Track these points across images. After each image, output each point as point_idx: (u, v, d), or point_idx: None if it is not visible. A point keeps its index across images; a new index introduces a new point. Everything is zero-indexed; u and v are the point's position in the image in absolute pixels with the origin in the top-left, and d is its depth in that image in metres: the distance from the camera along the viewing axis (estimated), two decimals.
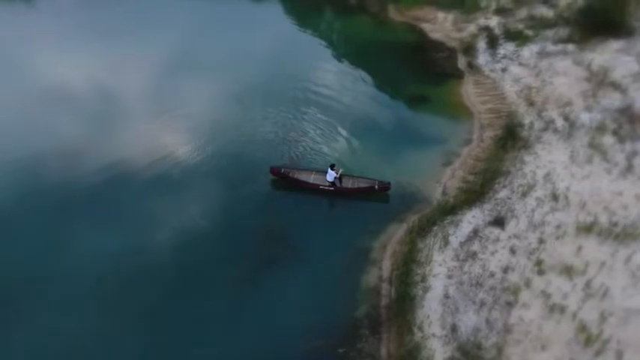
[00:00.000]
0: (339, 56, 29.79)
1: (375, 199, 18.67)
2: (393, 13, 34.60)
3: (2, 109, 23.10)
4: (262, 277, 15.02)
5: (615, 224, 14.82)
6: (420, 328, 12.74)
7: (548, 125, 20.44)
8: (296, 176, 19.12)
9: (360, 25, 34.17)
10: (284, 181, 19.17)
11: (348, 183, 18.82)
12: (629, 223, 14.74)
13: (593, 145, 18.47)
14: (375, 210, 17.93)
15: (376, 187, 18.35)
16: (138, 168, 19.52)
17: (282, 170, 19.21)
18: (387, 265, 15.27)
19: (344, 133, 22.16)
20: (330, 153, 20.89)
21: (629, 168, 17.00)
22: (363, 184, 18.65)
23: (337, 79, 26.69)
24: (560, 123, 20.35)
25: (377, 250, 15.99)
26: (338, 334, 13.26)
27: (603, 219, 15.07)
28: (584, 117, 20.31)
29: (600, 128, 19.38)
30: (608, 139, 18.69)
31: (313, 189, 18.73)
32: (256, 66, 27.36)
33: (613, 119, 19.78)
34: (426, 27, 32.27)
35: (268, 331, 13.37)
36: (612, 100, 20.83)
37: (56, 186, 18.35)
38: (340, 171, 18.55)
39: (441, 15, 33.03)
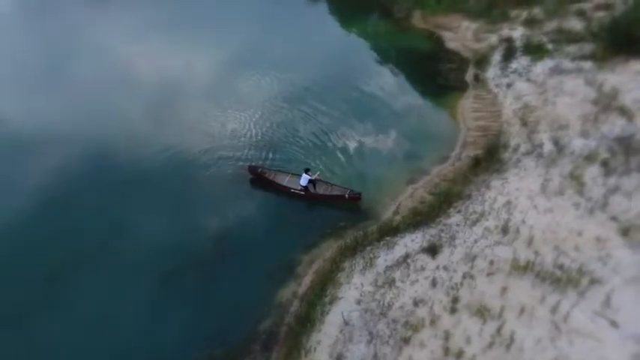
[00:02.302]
0: (348, 57, 29.04)
1: (331, 209, 18.22)
2: (417, 20, 33.34)
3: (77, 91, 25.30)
4: (182, 276, 15.05)
5: (560, 267, 13.13)
6: (308, 353, 12.13)
7: (535, 149, 18.64)
8: (271, 177, 19.12)
9: (379, 30, 33.42)
10: (260, 181, 19.20)
11: (321, 189, 18.56)
12: (575, 267, 13.00)
13: (573, 176, 16.53)
14: (321, 221, 17.37)
15: (346, 196, 17.92)
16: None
17: (259, 170, 19.28)
18: (306, 281, 14.74)
19: (323, 134, 21.90)
20: (302, 153, 20.80)
21: (602, 205, 15.00)
22: (335, 192, 18.34)
23: (338, 80, 26.17)
24: (548, 147, 18.46)
25: (304, 264, 15.49)
26: (231, 346, 13.01)
27: (548, 259, 13.42)
28: (577, 143, 18.25)
29: (589, 157, 17.30)
30: (592, 170, 16.64)
31: (285, 192, 18.61)
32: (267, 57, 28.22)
33: (608, 148, 17.57)
34: (446, 35, 30.76)
35: (164, 333, 13.38)
36: (614, 126, 18.52)
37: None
38: (316, 175, 18.28)
39: (465, 24, 31.34)
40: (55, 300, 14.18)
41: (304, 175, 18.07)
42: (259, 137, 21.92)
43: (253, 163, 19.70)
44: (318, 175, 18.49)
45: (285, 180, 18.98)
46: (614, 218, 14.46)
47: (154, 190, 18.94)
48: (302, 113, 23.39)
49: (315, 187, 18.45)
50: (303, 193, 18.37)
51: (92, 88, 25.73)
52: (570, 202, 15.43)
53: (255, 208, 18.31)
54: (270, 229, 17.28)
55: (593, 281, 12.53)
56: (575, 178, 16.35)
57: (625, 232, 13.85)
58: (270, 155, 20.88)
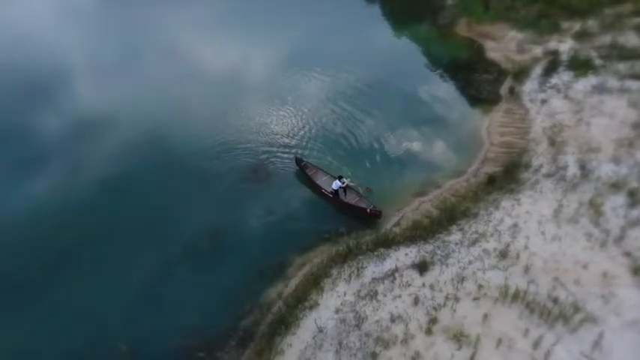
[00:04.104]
0: (387, 61, 28.36)
1: (336, 214, 18.00)
2: (461, 27, 32.26)
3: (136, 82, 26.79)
4: (179, 263, 15.54)
5: (554, 300, 12.28)
6: (278, 355, 12.19)
7: (557, 171, 17.53)
8: (310, 173, 19.25)
9: (422, 35, 32.56)
10: (302, 174, 19.50)
11: (349, 197, 18.13)
12: (570, 301, 12.11)
13: (593, 204, 15.38)
14: (323, 224, 17.19)
15: (368, 210, 17.23)
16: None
17: (302, 164, 19.56)
18: (293, 284, 14.77)
19: (343, 134, 21.93)
20: (326, 151, 20.95)
21: (618, 239, 13.86)
22: (360, 204, 17.70)
23: (373, 82, 25.94)
24: (572, 171, 17.30)
25: (295, 266, 15.53)
26: (209, 339, 13.29)
27: (543, 290, 12.59)
28: (605, 169, 16.97)
29: (616, 185, 16.04)
30: (616, 200, 15.41)
31: (317, 190, 18.70)
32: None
33: (639, 177, 16.19)
34: (488, 45, 29.53)
35: (149, 317, 13.94)
36: None
37: None
38: (347, 182, 17.80)
39: (511, 33, 29.95)
40: (55, 277, 15.16)
41: (336, 181, 17.76)
42: (284, 131, 22.24)
43: (300, 157, 20.01)
44: (350, 182, 17.96)
45: (321, 179, 18.90)
46: (627, 254, 13.33)
47: (174, 176, 19.53)
48: (334, 112, 23.38)
49: (345, 194, 18.09)
50: (331, 196, 18.14)
51: (143, 75, 27.23)
52: (582, 231, 14.37)
53: (264, 203, 18.32)
54: (273, 225, 17.36)
55: (588, 319, 11.63)
56: (594, 207, 15.21)
57: (637, 270, 12.73)
58: (292, 149, 21.17)
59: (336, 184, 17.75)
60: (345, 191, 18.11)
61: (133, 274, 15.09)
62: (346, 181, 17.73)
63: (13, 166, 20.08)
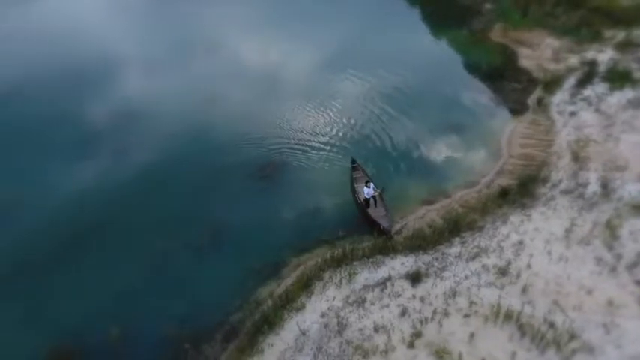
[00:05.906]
0: (416, 65, 27.57)
1: (340, 217, 17.59)
2: (495, 33, 31.11)
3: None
4: (178, 255, 15.81)
5: (550, 324, 11.59)
6: (258, 353, 12.17)
7: (577, 188, 16.58)
8: (355, 176, 18.68)
9: (454, 40, 31.65)
10: (350, 174, 19.05)
11: (377, 210, 17.01)
12: (567, 327, 11.38)
13: (609, 225, 14.43)
14: (324, 226, 16.97)
15: (381, 227, 16.11)
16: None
17: (354, 165, 19.04)
18: (285, 284, 14.70)
19: (356, 139, 21.62)
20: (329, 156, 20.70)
21: (631, 265, 12.92)
22: (380, 220, 16.38)
23: (396, 87, 25.38)
24: (592, 189, 16.33)
25: (290, 266, 15.44)
26: (197, 331, 13.41)
27: (539, 312, 11.91)
28: (629, 188, 15.90)
29: (638, 207, 14.97)
30: (635, 223, 14.40)
31: (352, 194, 18.17)
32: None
33: None
34: (522, 52, 28.36)
35: (141, 304, 14.26)
36: None
37: None
38: (378, 191, 16.97)
39: (548, 41, 28.68)
40: (55, 261, 15.78)
41: (365, 188, 16.70)
42: (306, 129, 22.13)
43: (354, 157, 19.48)
44: (382, 192, 17.07)
45: (360, 184, 17.92)
46: (639, 282, 12.37)
47: (187, 168, 19.73)
48: (353, 115, 23.05)
49: (376, 205, 17.03)
50: (358, 203, 17.30)
51: (175, 70, 27.71)
52: (593, 254, 13.50)
53: (271, 200, 18.25)
54: (276, 224, 17.27)
55: (583, 348, 10.88)
56: (610, 229, 14.25)
57: None
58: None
59: (368, 193, 16.69)
60: (375, 202, 17.12)
61: (132, 262, 15.47)
62: (373, 186, 16.81)
63: (42, 150, 21.12)
